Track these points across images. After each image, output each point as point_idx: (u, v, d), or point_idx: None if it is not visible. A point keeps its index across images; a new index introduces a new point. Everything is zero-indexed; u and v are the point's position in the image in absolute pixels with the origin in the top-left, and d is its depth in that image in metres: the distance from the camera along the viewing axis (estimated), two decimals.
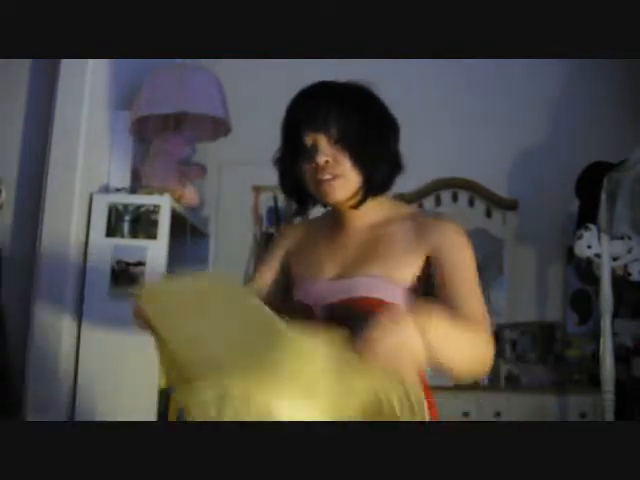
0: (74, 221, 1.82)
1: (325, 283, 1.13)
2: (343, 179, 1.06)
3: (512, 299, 3.35)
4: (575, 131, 3.43)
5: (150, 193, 1.88)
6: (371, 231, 1.14)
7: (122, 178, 1.97)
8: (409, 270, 1.09)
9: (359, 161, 1.07)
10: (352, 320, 1.00)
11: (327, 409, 0.91)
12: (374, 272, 1.09)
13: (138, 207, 1.84)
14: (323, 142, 1.06)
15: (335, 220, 1.19)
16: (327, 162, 1.06)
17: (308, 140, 1.07)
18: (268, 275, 1.24)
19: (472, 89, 3.51)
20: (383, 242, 1.12)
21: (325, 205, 1.16)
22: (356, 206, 1.11)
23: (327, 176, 1.06)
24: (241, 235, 3.44)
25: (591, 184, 2.67)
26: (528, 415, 2.84)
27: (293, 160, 1.11)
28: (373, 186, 1.09)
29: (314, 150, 1.06)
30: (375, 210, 1.14)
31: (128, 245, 1.81)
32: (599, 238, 2.58)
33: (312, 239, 1.22)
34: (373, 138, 1.08)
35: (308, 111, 1.08)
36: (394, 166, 1.12)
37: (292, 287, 1.18)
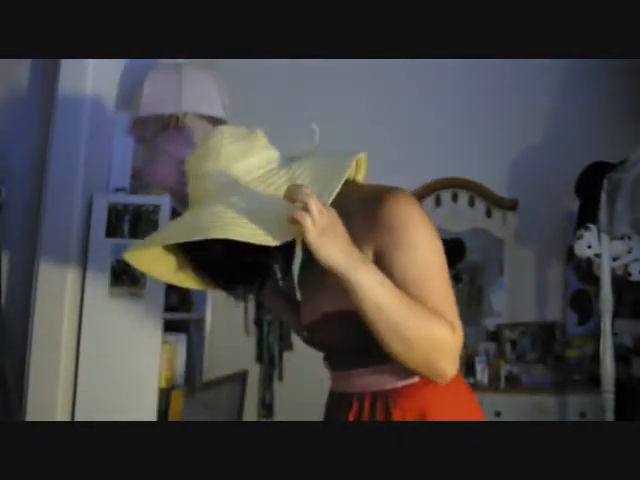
0: (74, 221, 1.82)
1: (305, 302, 1.15)
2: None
3: (512, 299, 3.35)
4: (575, 131, 3.43)
5: (150, 193, 1.88)
6: None
7: (122, 178, 1.97)
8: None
9: None
10: (330, 334, 1.05)
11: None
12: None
13: (138, 207, 1.84)
14: None
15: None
16: None
17: None
18: None
19: (472, 89, 3.51)
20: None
21: None
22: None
23: None
24: None
25: (591, 184, 2.67)
26: (528, 415, 2.84)
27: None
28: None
29: None
30: (343, 200, 0.99)
31: (128, 245, 1.81)
32: (599, 238, 2.58)
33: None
34: None
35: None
36: None
37: None
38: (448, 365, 0.94)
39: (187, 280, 1.13)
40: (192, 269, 1.09)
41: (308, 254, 0.99)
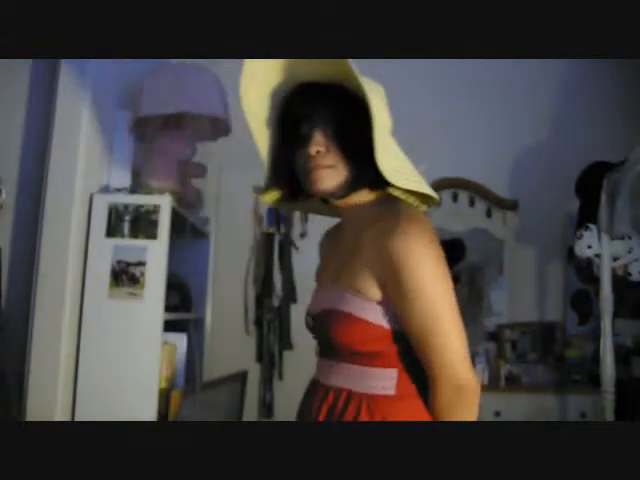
0: (74, 221, 1.82)
1: (316, 292, 1.18)
2: (332, 170, 1.06)
3: (512, 299, 3.35)
4: (575, 131, 3.43)
5: (150, 193, 1.88)
6: (356, 236, 1.09)
7: (122, 178, 1.97)
8: (372, 286, 1.02)
9: (349, 155, 1.06)
10: (324, 331, 1.07)
11: None
12: (346, 283, 1.05)
13: (138, 207, 1.84)
14: (318, 133, 1.06)
15: (338, 224, 1.22)
16: (318, 152, 1.05)
17: (304, 130, 1.07)
18: None
19: (472, 89, 3.50)
20: (355, 251, 1.07)
21: (312, 195, 1.14)
22: (340, 198, 1.09)
23: (317, 165, 1.05)
24: (241, 235, 3.44)
25: (591, 184, 2.67)
26: (528, 415, 2.84)
27: (286, 148, 1.11)
28: (359, 180, 1.07)
29: (308, 140, 1.06)
30: (365, 210, 1.10)
31: (128, 245, 1.81)
32: (599, 238, 2.58)
33: (328, 245, 1.27)
34: (364, 136, 1.04)
35: (307, 103, 1.08)
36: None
37: None
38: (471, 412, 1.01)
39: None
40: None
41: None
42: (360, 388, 1.04)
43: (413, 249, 0.97)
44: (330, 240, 1.27)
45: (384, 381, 1.03)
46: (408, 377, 1.04)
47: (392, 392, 1.03)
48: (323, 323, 1.08)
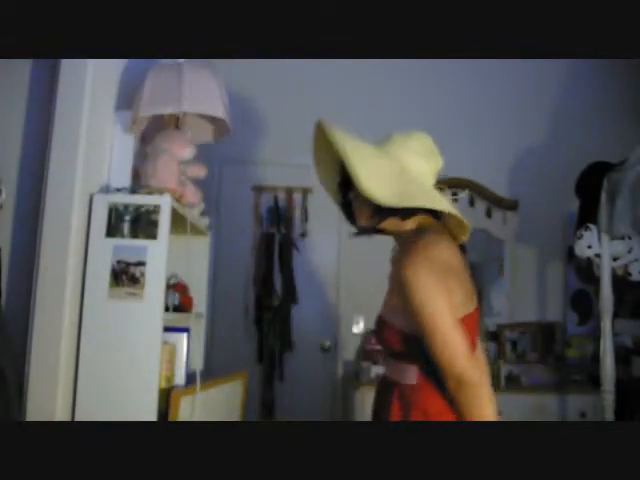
0: (74, 221, 1.81)
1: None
2: (361, 209, 1.42)
3: (512, 299, 3.36)
4: (575, 131, 3.43)
5: (150, 193, 1.87)
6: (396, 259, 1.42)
7: (122, 178, 1.96)
8: (397, 300, 1.34)
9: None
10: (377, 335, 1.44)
11: None
12: (388, 299, 1.41)
13: (138, 207, 1.83)
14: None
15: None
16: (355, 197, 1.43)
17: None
18: None
19: (472, 89, 3.51)
20: (394, 272, 1.41)
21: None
22: (375, 230, 1.44)
23: (354, 207, 1.45)
24: (241, 235, 3.44)
25: (591, 184, 2.67)
26: (528, 415, 2.84)
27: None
28: (380, 213, 1.38)
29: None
30: (405, 238, 1.42)
31: (128, 245, 1.81)
32: (599, 238, 2.58)
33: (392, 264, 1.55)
34: None
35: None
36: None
37: None
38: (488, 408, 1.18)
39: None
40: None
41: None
42: (396, 378, 1.36)
43: (415, 276, 1.25)
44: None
45: (409, 373, 1.32)
46: (424, 371, 1.31)
47: (414, 382, 1.32)
48: (377, 325, 1.44)
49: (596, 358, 2.79)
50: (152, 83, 1.89)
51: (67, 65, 1.88)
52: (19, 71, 2.02)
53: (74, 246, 1.81)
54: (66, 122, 1.86)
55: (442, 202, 1.36)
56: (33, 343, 1.76)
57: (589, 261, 2.69)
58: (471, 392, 1.16)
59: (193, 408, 1.83)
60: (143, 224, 1.83)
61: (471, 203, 3.38)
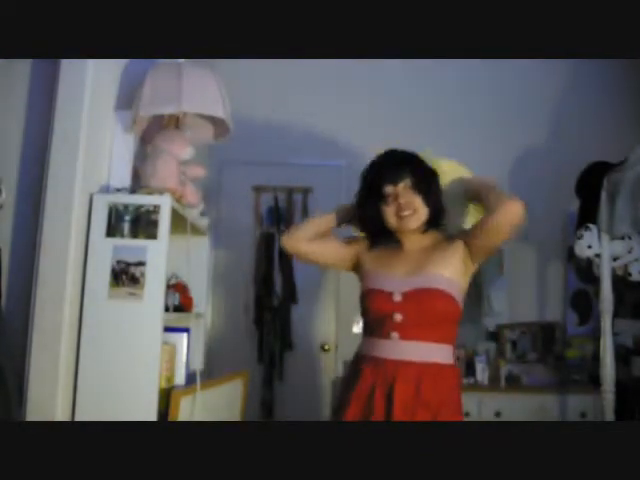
0: (74, 221, 1.81)
1: (400, 278, 1.59)
2: (417, 214, 1.58)
3: (512, 299, 3.35)
4: (575, 131, 3.43)
5: (150, 193, 1.87)
6: (424, 250, 1.63)
7: (122, 178, 1.96)
8: (455, 271, 1.58)
9: (426, 201, 1.58)
10: (422, 303, 1.53)
11: None
12: (434, 272, 1.56)
13: (138, 207, 1.83)
14: (402, 189, 1.56)
15: (396, 243, 1.66)
16: (406, 202, 1.56)
17: (388, 190, 1.57)
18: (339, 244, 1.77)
19: (472, 89, 3.51)
20: (436, 254, 1.60)
21: (395, 233, 1.64)
22: (424, 232, 1.62)
23: (406, 212, 1.56)
24: (241, 235, 3.44)
25: (591, 184, 2.67)
26: (528, 415, 2.84)
27: (375, 204, 1.60)
28: (436, 218, 1.61)
29: (394, 195, 1.57)
30: (425, 238, 1.65)
31: (128, 245, 1.81)
32: (599, 238, 2.58)
33: (377, 251, 1.69)
34: (433, 186, 1.62)
35: (389, 170, 1.58)
36: (442, 206, 1.63)
37: (363, 278, 1.69)
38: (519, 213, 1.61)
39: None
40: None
41: None
42: (437, 360, 1.52)
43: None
44: (380, 252, 1.69)
45: (447, 352, 1.54)
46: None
47: (451, 362, 1.55)
48: (420, 296, 1.55)
49: (596, 358, 2.79)
50: (152, 83, 1.89)
51: (67, 65, 1.88)
52: (19, 71, 2.02)
53: (74, 246, 1.81)
54: (66, 122, 1.86)
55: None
56: (33, 343, 1.76)
57: (589, 261, 2.69)
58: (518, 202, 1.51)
59: (193, 408, 1.83)
60: (143, 224, 1.83)
61: None
